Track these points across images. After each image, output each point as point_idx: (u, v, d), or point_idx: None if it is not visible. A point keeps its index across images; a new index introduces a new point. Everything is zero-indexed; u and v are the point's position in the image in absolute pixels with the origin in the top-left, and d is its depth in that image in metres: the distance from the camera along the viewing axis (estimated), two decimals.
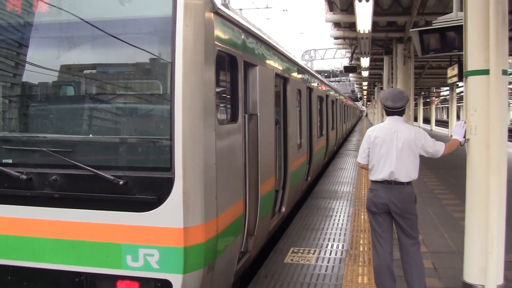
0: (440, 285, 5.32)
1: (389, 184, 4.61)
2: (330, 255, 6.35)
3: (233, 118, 4.79)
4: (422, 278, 4.64)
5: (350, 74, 37.97)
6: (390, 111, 4.74)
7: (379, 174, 4.65)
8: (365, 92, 47.53)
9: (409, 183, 4.64)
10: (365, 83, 35.24)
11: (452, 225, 7.80)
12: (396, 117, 4.74)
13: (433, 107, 46.61)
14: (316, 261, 6.09)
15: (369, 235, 7.25)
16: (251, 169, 5.38)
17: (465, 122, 4.79)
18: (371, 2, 9.23)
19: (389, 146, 4.62)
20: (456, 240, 6.68)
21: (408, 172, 4.60)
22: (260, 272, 5.74)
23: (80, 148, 4.05)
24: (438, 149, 4.69)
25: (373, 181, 4.76)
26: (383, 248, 4.70)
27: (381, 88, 27.35)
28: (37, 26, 4.20)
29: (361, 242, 6.93)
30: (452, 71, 14.21)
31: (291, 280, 5.47)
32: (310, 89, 10.79)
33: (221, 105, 4.71)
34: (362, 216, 8.54)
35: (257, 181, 5.61)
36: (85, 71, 4.37)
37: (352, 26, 14.68)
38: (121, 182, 3.74)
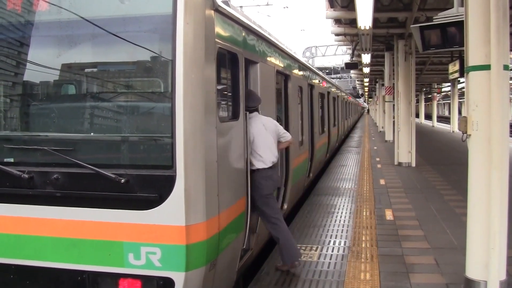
0: (442, 281, 5.32)
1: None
2: (332, 251, 6.36)
3: (234, 116, 4.79)
4: None
5: (351, 71, 37.86)
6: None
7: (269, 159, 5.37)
8: (366, 89, 47.40)
9: None
10: (366, 80, 35.16)
11: (454, 221, 7.80)
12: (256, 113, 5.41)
13: (435, 103, 46.39)
14: (319, 258, 6.10)
15: (372, 231, 7.27)
16: None
17: None
18: None
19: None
20: (458, 236, 6.68)
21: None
22: (262, 269, 5.74)
23: (81, 146, 4.05)
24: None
25: (267, 168, 5.33)
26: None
27: (382, 85, 27.30)
28: (37, 25, 4.19)
29: (363, 238, 6.93)
30: (454, 67, 14.15)
31: (294, 276, 5.47)
32: (311, 86, 10.77)
33: (222, 102, 4.70)
34: (364, 212, 8.55)
35: None
36: (86, 70, 4.37)
37: (353, 22, 14.62)
38: (122, 180, 3.74)
